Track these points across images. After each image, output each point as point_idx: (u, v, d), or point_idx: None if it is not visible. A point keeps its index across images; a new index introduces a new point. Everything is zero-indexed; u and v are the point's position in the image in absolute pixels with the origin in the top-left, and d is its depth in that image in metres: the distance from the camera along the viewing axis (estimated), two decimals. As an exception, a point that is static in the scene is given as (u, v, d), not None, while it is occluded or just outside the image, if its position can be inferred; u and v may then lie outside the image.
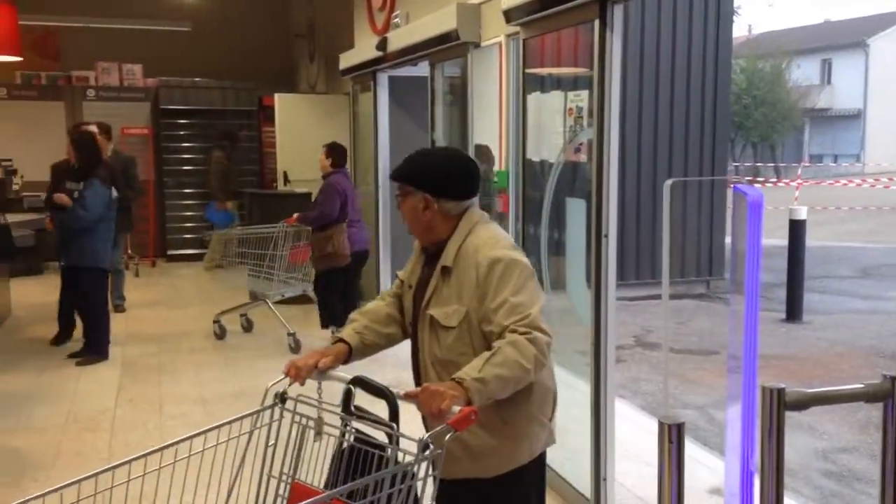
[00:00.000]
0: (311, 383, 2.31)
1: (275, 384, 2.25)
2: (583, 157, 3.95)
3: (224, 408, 5.25)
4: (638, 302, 8.98)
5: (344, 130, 8.43)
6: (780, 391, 1.56)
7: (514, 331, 2.14)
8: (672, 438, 1.61)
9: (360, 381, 2.20)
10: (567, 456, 4.06)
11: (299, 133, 10.37)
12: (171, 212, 11.47)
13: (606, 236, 3.65)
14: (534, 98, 4.41)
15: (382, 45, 6.35)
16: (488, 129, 5.02)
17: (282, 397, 2.22)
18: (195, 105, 11.41)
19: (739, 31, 39.33)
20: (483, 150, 6.45)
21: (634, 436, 4.68)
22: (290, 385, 2.29)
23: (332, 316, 6.48)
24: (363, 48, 7.03)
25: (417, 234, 2.43)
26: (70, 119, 10.78)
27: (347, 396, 2.20)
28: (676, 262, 9.92)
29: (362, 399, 2.21)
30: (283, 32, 12.51)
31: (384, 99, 7.02)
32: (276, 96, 9.99)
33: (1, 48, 7.39)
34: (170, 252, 11.38)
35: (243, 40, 12.21)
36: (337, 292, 6.51)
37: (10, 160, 9.94)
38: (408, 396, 2.07)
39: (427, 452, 1.86)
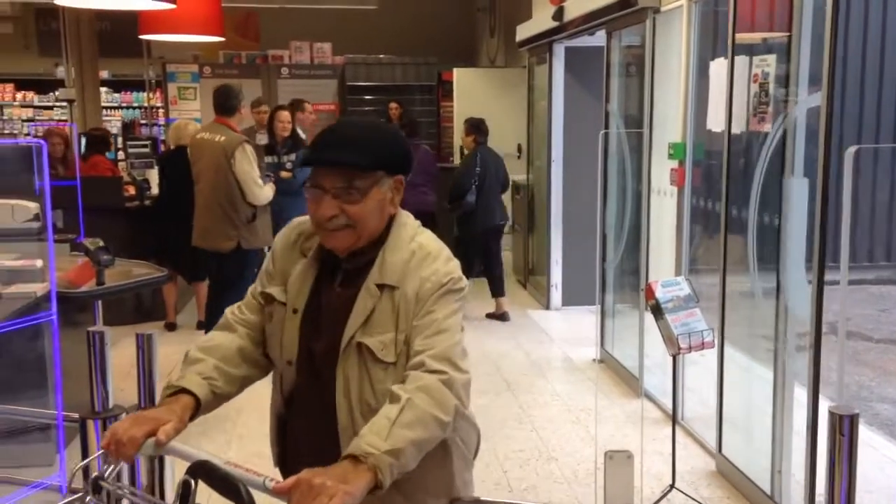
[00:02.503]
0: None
1: (83, 465, 1.60)
2: (767, 128, 3.67)
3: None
4: (833, 286, 8.32)
5: (521, 104, 8.37)
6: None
7: (420, 364, 1.62)
8: (844, 430, 1.45)
9: (202, 469, 1.46)
10: (744, 445, 3.84)
11: (477, 107, 10.40)
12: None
13: (788, 213, 3.39)
14: (717, 64, 4.16)
15: (559, 14, 6.22)
16: (667, 100, 4.79)
17: (94, 484, 1.51)
18: (378, 81, 11.77)
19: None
20: (473, 124, 6.98)
21: (820, 428, 4.34)
22: (109, 466, 1.57)
23: None
24: (540, 19, 6.92)
25: (365, 235, 1.74)
26: (266, 96, 11.44)
27: (185, 491, 1.45)
28: (881, 243, 9.09)
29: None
30: (466, 7, 12.59)
31: (559, 71, 6.88)
32: (455, 71, 10.10)
33: (205, 29, 7.93)
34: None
35: (426, 17, 12.42)
36: None
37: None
38: (277, 493, 1.40)
39: None
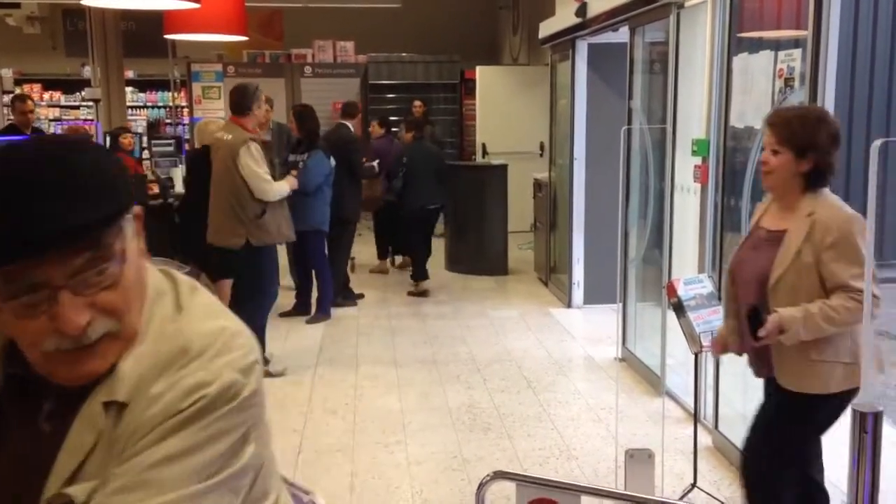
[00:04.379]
0: None
1: None
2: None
3: (413, 372, 5.42)
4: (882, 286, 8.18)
5: (544, 102, 8.34)
6: None
7: None
8: (867, 428, 1.42)
9: None
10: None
11: (499, 105, 10.40)
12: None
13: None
14: (740, 59, 4.11)
15: (582, 10, 6.19)
16: (691, 96, 4.74)
17: None
18: (400, 80, 11.78)
19: None
20: (411, 122, 8.38)
21: (847, 428, 4.28)
22: None
23: (381, 249, 8.71)
24: (563, 16, 6.89)
25: (135, 330, 1.05)
26: (289, 95, 11.51)
27: None
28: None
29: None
30: (488, 5, 12.58)
31: (582, 68, 6.84)
32: (478, 69, 10.09)
33: (229, 28, 7.97)
34: (375, 222, 11.90)
35: (449, 15, 12.41)
36: (384, 230, 8.63)
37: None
38: None
39: None
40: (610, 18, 5.72)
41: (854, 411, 1.45)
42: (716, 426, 4.20)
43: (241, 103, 5.36)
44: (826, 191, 2.68)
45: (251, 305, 5.45)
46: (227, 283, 6.54)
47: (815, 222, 2.57)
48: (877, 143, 1.92)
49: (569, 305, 7.10)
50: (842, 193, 2.59)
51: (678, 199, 4.87)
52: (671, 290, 3.37)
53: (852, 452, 1.46)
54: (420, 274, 7.72)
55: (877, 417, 1.43)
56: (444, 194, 7.95)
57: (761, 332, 2.55)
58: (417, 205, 7.75)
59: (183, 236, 6.40)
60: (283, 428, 4.40)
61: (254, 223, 5.23)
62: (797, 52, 3.56)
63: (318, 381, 5.26)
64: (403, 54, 11.96)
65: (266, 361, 5.45)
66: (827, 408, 2.66)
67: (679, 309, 3.33)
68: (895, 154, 8.10)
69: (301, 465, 3.96)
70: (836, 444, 3.88)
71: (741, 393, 4.18)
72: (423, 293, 7.60)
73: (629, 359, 5.54)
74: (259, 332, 5.49)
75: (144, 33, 11.65)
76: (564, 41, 6.99)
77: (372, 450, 4.18)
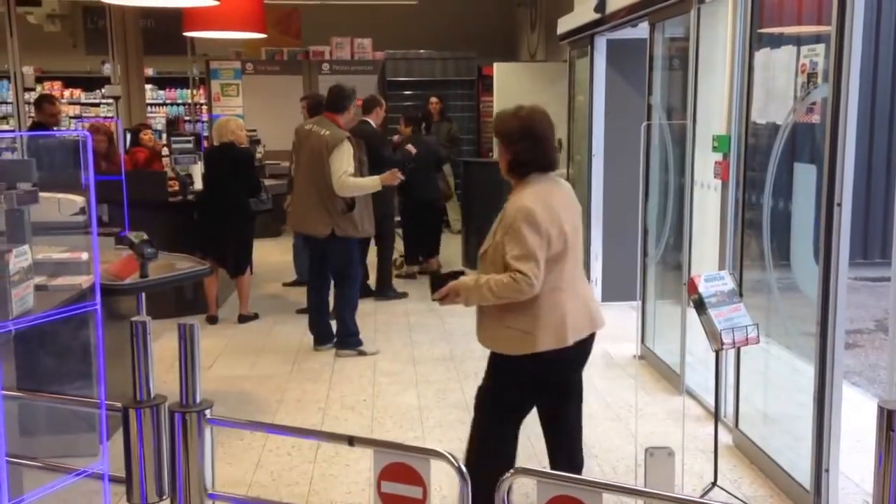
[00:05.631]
0: None
1: None
2: (815, 118, 3.59)
3: (430, 368, 5.43)
4: (883, 283, 8.11)
5: (562, 98, 8.30)
6: None
7: None
8: (894, 426, 1.40)
9: None
10: (788, 443, 3.77)
11: (517, 102, 10.31)
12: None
13: (839, 205, 3.31)
14: (761, 55, 4.08)
15: (601, 6, 6.15)
16: (711, 92, 4.71)
17: None
18: (418, 76, 11.77)
19: None
20: (409, 116, 8.38)
21: (869, 427, 4.24)
22: None
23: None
24: (582, 12, 6.86)
25: None
26: (307, 92, 11.53)
27: None
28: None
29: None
30: (506, 1, 12.54)
31: (601, 64, 6.80)
32: (495, 65, 10.06)
33: (248, 26, 8.01)
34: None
35: (466, 11, 12.39)
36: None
37: (254, 130, 10.81)
38: None
39: None
40: (629, 14, 5.69)
41: (880, 408, 1.43)
42: (736, 425, 4.17)
43: (338, 102, 5.67)
44: (537, 178, 3.03)
45: (344, 293, 5.73)
46: (245, 279, 6.59)
47: (505, 208, 3.02)
48: (904, 138, 1.90)
49: (587, 302, 7.06)
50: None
51: (698, 196, 4.84)
52: (692, 286, 3.35)
53: (878, 450, 1.44)
54: (436, 252, 8.28)
55: (904, 416, 1.41)
56: (442, 187, 8.54)
57: (435, 295, 3.08)
58: (422, 197, 8.05)
59: (202, 232, 6.45)
60: (301, 424, 4.41)
61: (340, 216, 5.51)
62: (820, 48, 3.52)
63: (336, 377, 5.27)
64: (421, 51, 11.95)
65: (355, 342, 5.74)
66: (510, 368, 3.07)
67: (700, 306, 3.31)
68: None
69: (319, 461, 3.97)
70: (860, 441, 3.86)
71: (762, 391, 4.15)
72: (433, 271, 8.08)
73: (648, 356, 5.51)
74: (352, 312, 5.76)
75: (164, 31, 11.72)
76: (583, 37, 6.96)
77: (390, 446, 4.18)
